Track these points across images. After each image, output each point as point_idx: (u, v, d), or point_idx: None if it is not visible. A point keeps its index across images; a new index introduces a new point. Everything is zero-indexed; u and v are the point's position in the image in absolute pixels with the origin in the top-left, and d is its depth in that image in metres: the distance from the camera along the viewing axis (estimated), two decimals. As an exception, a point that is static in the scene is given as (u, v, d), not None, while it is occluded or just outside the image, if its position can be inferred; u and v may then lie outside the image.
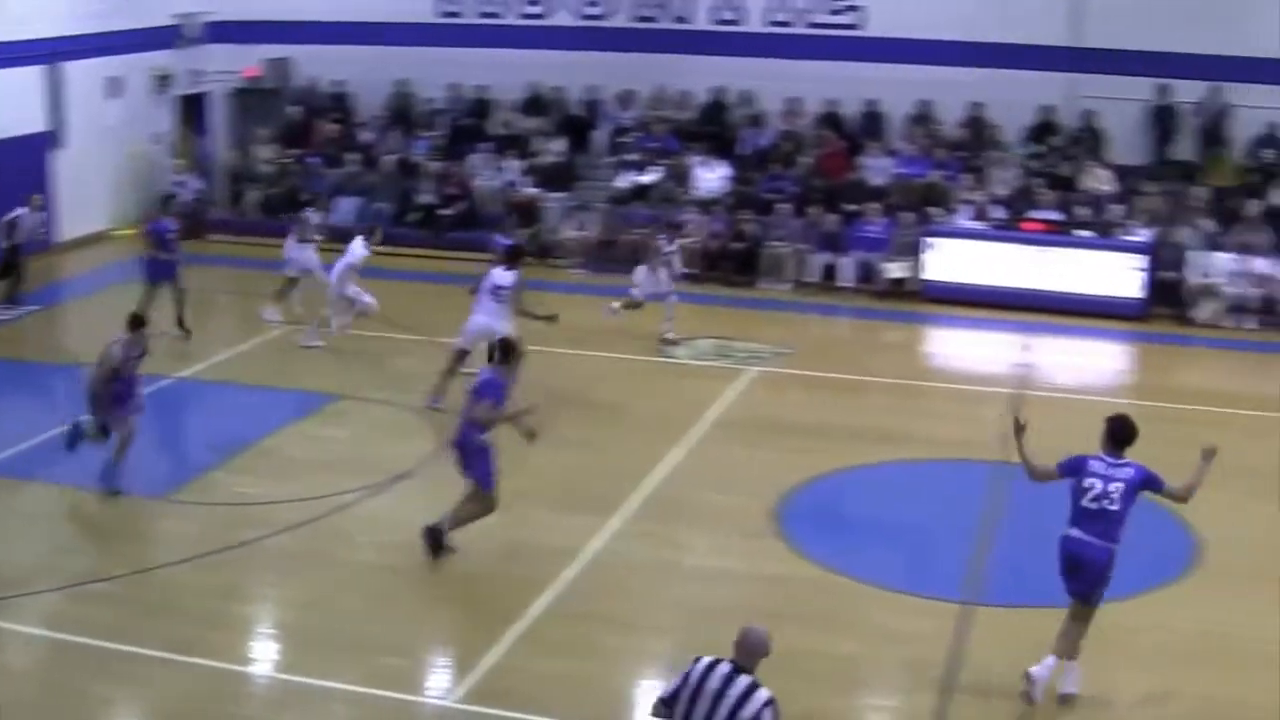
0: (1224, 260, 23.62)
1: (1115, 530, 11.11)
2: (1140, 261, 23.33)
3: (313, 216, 22.02)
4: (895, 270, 24.31)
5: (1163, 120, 25.92)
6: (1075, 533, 11.18)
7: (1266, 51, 24.96)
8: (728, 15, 28.25)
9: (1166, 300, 23.51)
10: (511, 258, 18.26)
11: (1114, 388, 20.81)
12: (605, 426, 17.62)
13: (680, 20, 28.48)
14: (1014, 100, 25.90)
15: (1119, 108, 25.75)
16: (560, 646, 12.08)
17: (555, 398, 17.35)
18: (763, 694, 8.16)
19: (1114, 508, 11.08)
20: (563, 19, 28.96)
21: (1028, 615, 12.57)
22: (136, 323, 15.39)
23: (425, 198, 27.37)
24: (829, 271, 24.98)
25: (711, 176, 26.47)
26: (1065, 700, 11.38)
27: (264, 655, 12.30)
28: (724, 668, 8.25)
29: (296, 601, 13.12)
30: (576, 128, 28.41)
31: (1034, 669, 11.21)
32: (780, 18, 28.00)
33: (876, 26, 27.20)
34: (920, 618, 12.77)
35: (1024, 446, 11.48)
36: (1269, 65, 24.94)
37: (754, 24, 28.09)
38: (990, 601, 13.07)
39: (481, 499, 13.51)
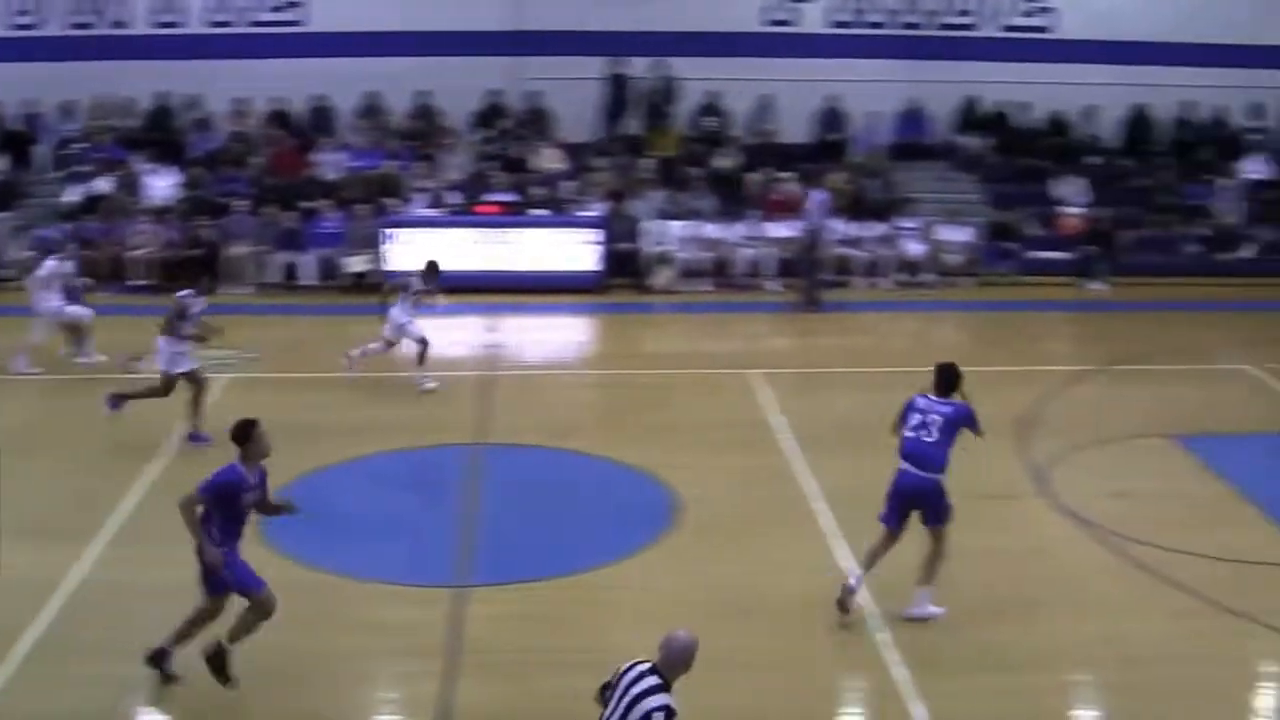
0: (675, 228, 24.74)
1: (934, 460, 12.51)
2: (595, 235, 24.10)
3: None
4: (356, 264, 24.20)
5: (613, 97, 26.80)
6: (903, 466, 12.63)
7: (704, 25, 26.37)
8: (167, 18, 27.37)
9: (624, 270, 24.40)
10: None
11: (581, 359, 21.48)
12: (75, 450, 16.72)
13: (118, 25, 27.40)
14: (461, 87, 26.24)
15: (566, 87, 26.49)
16: (54, 682, 11.41)
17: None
18: (662, 698, 8.19)
19: (930, 439, 12.47)
20: (-10, 31, 27.31)
21: (521, 590, 12.83)
22: None
23: None
24: (290, 271, 24.64)
25: (162, 184, 25.60)
26: (911, 619, 12.49)
27: None
28: (643, 666, 8.38)
29: None
30: (16, 143, 26.88)
31: (850, 580, 12.41)
32: (221, 17, 27.38)
33: (319, 21, 27.02)
34: (416, 607, 12.76)
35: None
36: (708, 38, 26.32)
37: (195, 25, 27.34)
38: (483, 581, 13.23)
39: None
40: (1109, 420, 18.14)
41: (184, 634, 11.22)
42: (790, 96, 26.97)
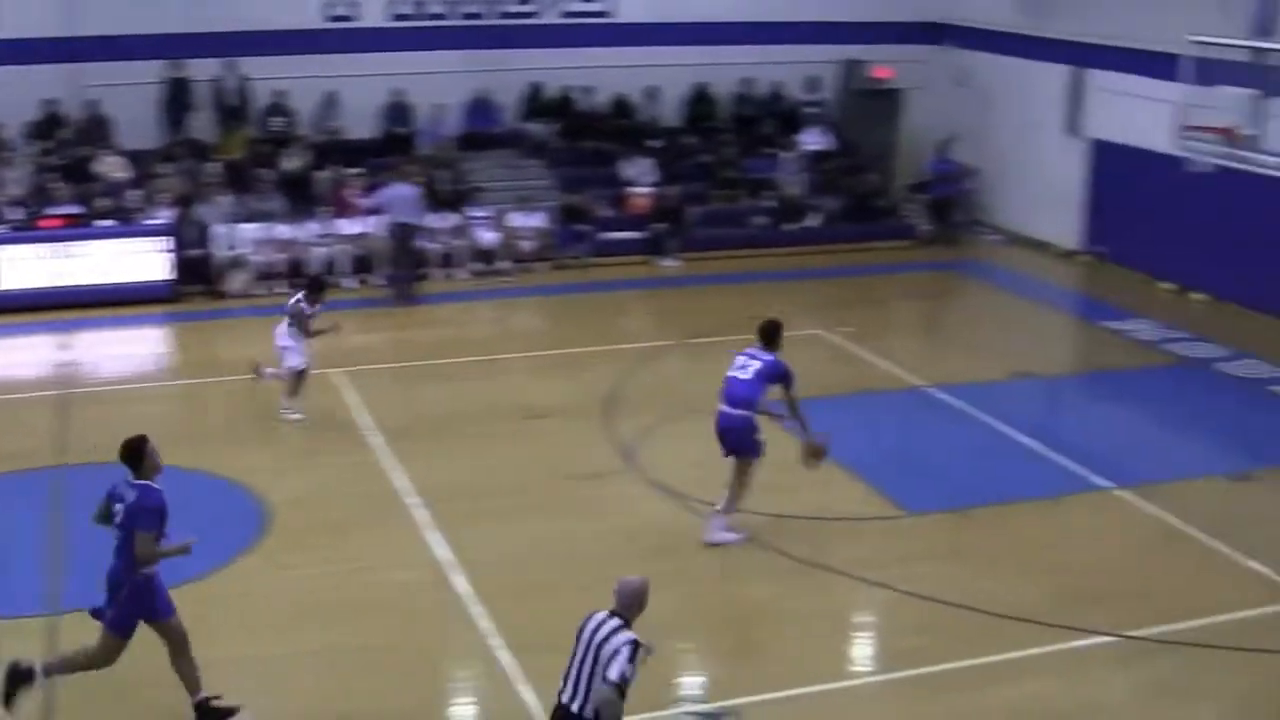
0: (247, 231, 24.13)
1: (742, 396, 13.74)
2: (164, 243, 23.27)
3: None
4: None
5: (177, 100, 25.90)
6: (720, 407, 13.88)
7: (266, 24, 25.80)
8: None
9: (197, 277, 23.64)
10: None
11: (160, 370, 20.73)
12: None
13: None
14: (15, 98, 24.79)
15: (125, 93, 25.43)
16: None
17: None
18: (627, 634, 8.97)
19: (745, 377, 13.77)
20: None
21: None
22: None
23: None
24: None
25: None
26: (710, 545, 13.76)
27: None
28: (600, 615, 9.10)
29: None
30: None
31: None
32: None
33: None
34: (8, 638, 12.07)
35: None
36: (271, 37, 25.74)
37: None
38: (76, 607, 12.57)
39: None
40: (691, 393, 18.58)
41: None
42: (355, 93, 26.67)
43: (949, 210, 28.08)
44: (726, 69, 29.03)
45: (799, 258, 26.43)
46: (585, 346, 21.07)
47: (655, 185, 27.08)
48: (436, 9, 27.54)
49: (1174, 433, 17.99)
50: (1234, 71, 18.69)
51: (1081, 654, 12.32)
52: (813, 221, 27.67)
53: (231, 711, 10.93)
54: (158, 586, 10.67)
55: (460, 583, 13.21)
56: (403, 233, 23.64)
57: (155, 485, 10.58)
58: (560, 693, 9.15)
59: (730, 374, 13.96)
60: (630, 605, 9.18)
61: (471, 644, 12.28)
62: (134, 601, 10.57)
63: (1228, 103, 18.71)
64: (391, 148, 26.67)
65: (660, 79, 28.57)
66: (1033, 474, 16.31)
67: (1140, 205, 24.86)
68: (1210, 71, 18.97)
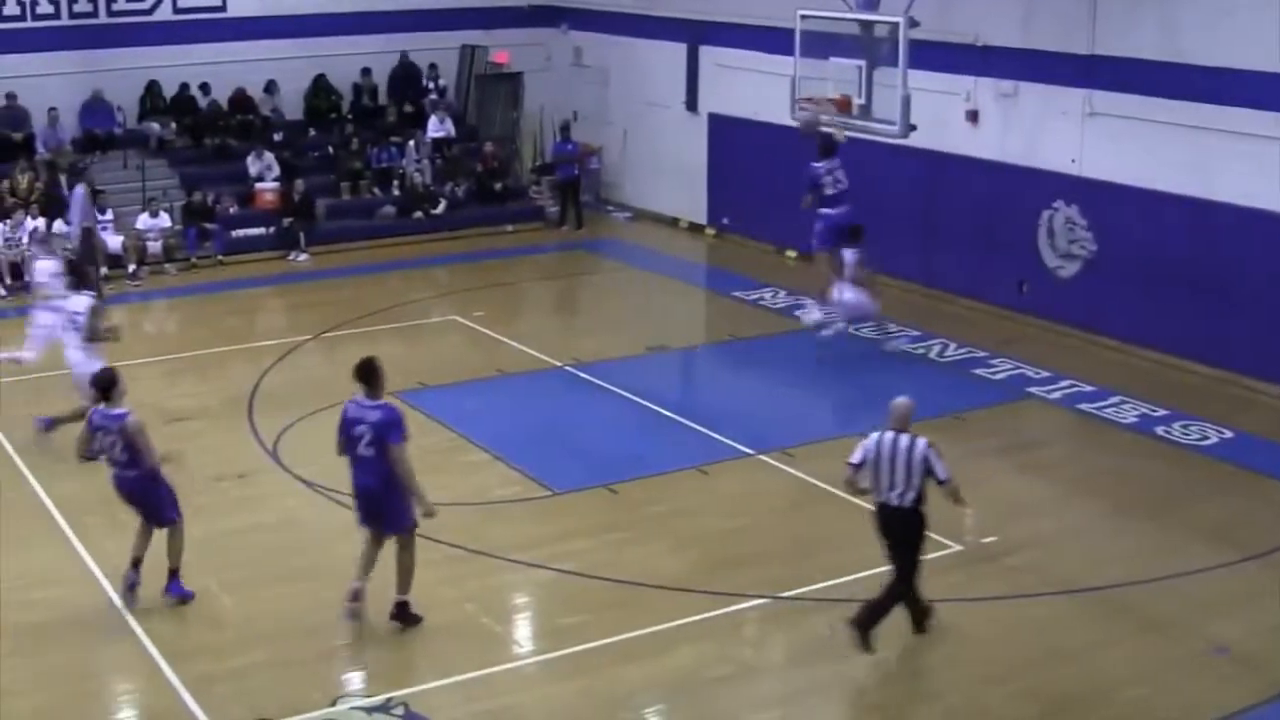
0: None
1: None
2: None
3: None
4: None
5: None
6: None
7: None
8: None
9: None
10: None
11: None
12: None
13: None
14: None
15: None
16: None
17: None
18: (923, 440, 11.59)
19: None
20: None
21: None
22: None
23: None
24: None
25: None
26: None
27: None
28: (890, 434, 11.60)
29: None
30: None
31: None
32: None
33: None
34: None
35: None
36: None
37: None
38: None
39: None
40: (331, 386, 18.21)
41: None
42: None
43: (575, 191, 28.28)
44: (346, 60, 28.80)
45: (429, 245, 26.44)
46: (221, 346, 20.64)
47: (280, 180, 26.47)
48: (45, 9, 26.32)
49: (810, 396, 18.60)
50: (844, 44, 19.33)
51: (736, 618, 12.71)
52: (440, 209, 27.45)
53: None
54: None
55: (113, 595, 12.85)
56: (86, 235, 22.87)
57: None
58: (877, 496, 11.71)
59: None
60: (906, 421, 11.70)
61: (129, 657, 11.98)
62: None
63: (839, 74, 19.35)
64: (8, 153, 25.42)
65: (278, 72, 28.15)
66: (676, 446, 16.69)
67: (760, 177, 25.56)
68: (822, 45, 19.58)
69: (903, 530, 11.74)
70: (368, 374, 12.06)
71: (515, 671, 11.79)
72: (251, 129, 27.74)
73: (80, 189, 23.29)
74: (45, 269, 19.24)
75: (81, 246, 22.82)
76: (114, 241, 24.54)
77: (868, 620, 11.69)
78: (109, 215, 24.70)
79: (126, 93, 27.07)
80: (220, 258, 25.31)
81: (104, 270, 23.36)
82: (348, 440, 12.05)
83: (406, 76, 29.38)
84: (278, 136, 27.68)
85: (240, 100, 27.99)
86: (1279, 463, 16.02)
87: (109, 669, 11.97)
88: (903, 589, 11.84)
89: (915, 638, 12.03)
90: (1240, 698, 11.25)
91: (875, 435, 11.70)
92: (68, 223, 23.48)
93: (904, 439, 11.59)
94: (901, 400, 11.87)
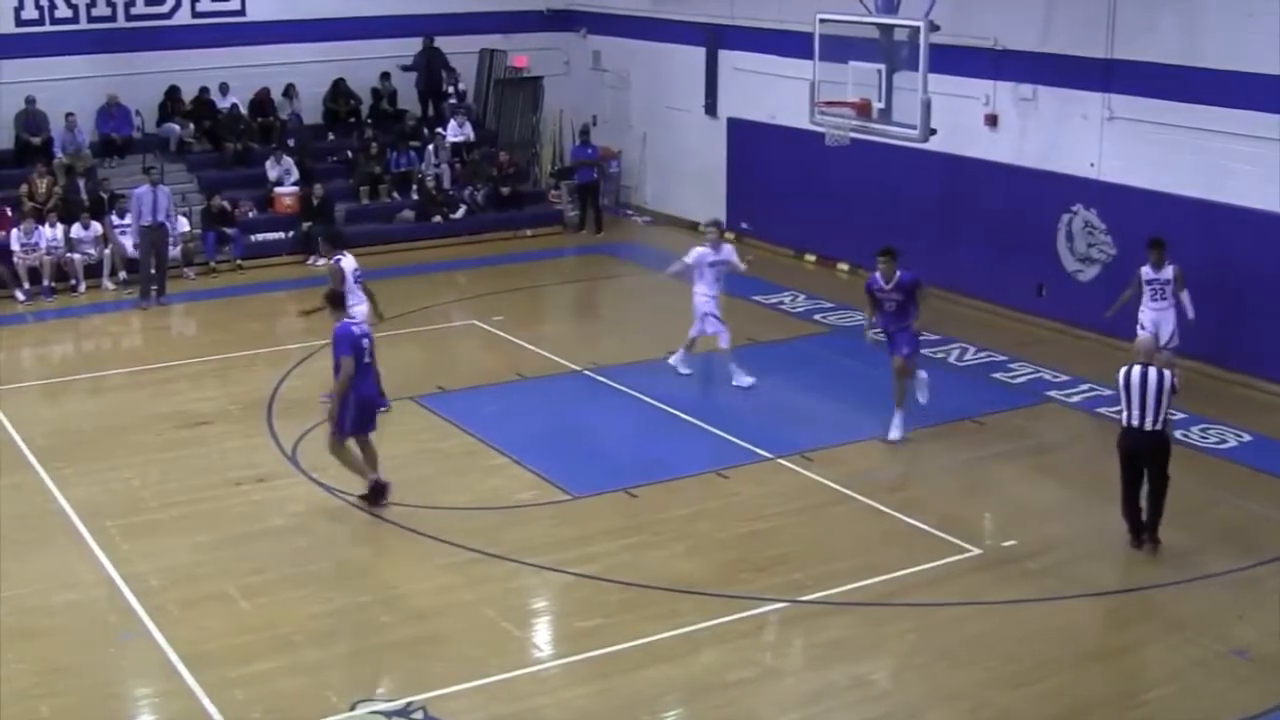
0: None
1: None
2: None
3: None
4: None
5: None
6: None
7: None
8: None
9: None
10: None
11: None
12: None
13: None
14: None
15: None
16: None
17: None
18: (1167, 372, 13.46)
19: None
20: None
21: None
22: None
23: None
24: None
25: None
26: None
27: None
28: (1138, 368, 13.38)
29: None
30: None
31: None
32: None
33: None
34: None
35: None
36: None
37: None
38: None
39: None
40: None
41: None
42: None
43: (594, 195, 28.28)
44: (365, 64, 28.88)
45: (448, 249, 26.43)
46: (241, 350, 20.67)
47: (299, 184, 26.54)
48: (64, 13, 26.40)
49: (830, 400, 18.53)
50: (863, 48, 19.31)
51: (756, 622, 12.68)
52: (457, 214, 27.47)
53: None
54: None
55: (131, 599, 12.87)
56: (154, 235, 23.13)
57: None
58: (1130, 420, 13.38)
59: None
60: (1151, 355, 13.65)
61: (148, 661, 11.98)
62: None
63: (858, 78, 19.32)
64: (25, 157, 25.47)
65: (297, 76, 28.23)
66: (696, 449, 16.66)
67: (779, 181, 25.56)
68: (841, 48, 19.57)
69: (1153, 452, 13.48)
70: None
71: (535, 675, 11.77)
72: (271, 133, 27.81)
73: (143, 189, 23.34)
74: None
75: (143, 243, 23.15)
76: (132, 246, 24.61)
77: (1152, 529, 13.72)
78: (127, 220, 24.77)
79: (145, 97, 27.12)
80: (239, 262, 25.37)
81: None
82: (361, 352, 14.62)
83: (430, 66, 29.32)
84: (294, 141, 27.70)
85: (260, 103, 28.04)
86: (1298, 466, 16.03)
87: (128, 673, 11.97)
88: (1162, 500, 13.63)
89: (920, 645, 12.08)
90: (1260, 700, 11.22)
91: (1124, 369, 13.46)
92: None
93: (1152, 372, 13.34)
94: (1144, 336, 14.99)
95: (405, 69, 29.03)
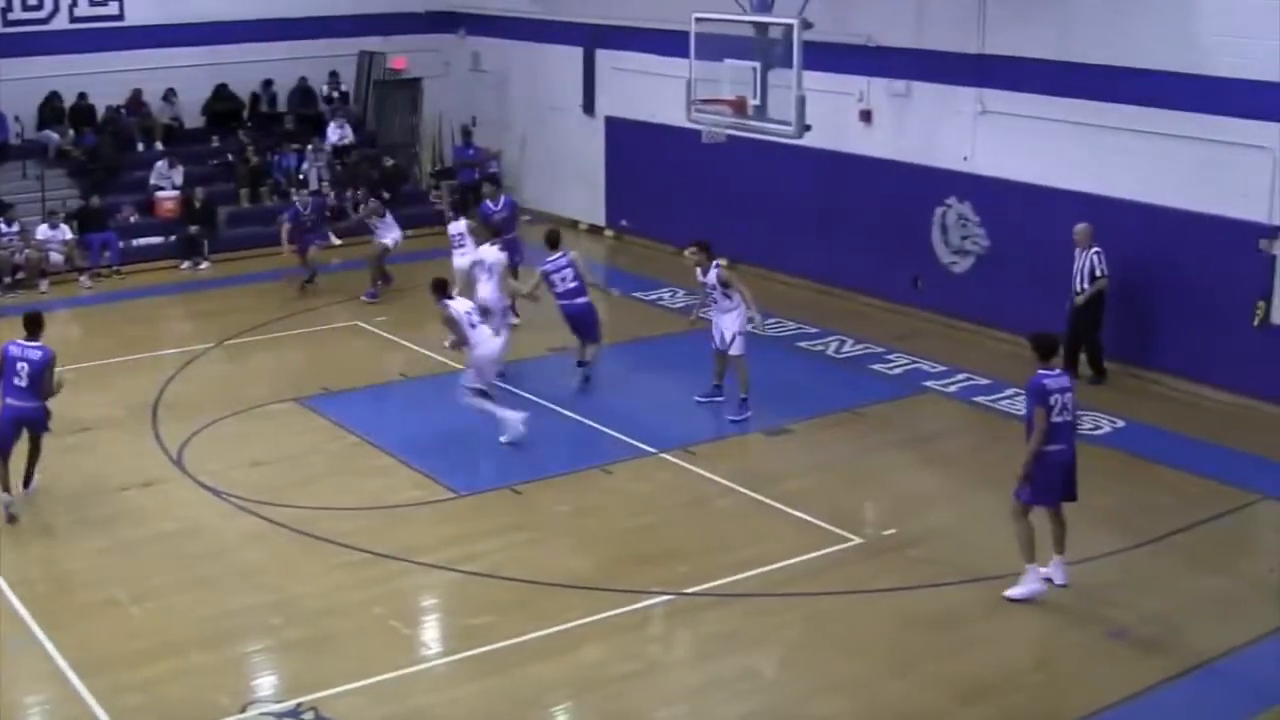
0: None
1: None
2: None
3: None
4: None
5: None
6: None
7: None
8: None
9: None
10: None
11: None
12: None
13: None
14: None
15: None
16: None
17: None
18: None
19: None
20: None
21: None
22: None
23: None
24: None
25: None
26: None
27: None
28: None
29: None
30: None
31: None
32: None
33: None
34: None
35: None
36: None
37: None
38: None
39: None
40: (235, 393, 18.34)
41: None
42: None
43: (475, 195, 28.22)
44: (245, 67, 28.74)
45: (330, 250, 26.13)
46: (124, 355, 20.44)
47: (181, 188, 26.33)
48: (-62, 20, 25.98)
49: (710, 394, 18.68)
50: (739, 46, 19.52)
51: (642, 615, 12.84)
52: (347, 222, 27.34)
53: None
54: None
55: (19, 607, 12.75)
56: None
57: None
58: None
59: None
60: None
61: (37, 668, 11.90)
62: None
63: (735, 76, 19.54)
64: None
65: (177, 80, 28.06)
66: (579, 446, 16.85)
67: (659, 179, 25.78)
68: (717, 47, 19.77)
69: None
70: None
71: (424, 673, 11.85)
72: (151, 136, 27.56)
73: None
74: None
75: None
76: (19, 253, 24.25)
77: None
78: (15, 227, 24.40)
79: (24, 103, 26.76)
80: (117, 268, 25.11)
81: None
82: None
83: (304, 91, 29.35)
84: (177, 145, 27.48)
85: (137, 107, 27.79)
86: (1170, 450, 16.44)
87: (16, 681, 11.81)
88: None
89: (806, 634, 12.32)
90: (1140, 679, 11.52)
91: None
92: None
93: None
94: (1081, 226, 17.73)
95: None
